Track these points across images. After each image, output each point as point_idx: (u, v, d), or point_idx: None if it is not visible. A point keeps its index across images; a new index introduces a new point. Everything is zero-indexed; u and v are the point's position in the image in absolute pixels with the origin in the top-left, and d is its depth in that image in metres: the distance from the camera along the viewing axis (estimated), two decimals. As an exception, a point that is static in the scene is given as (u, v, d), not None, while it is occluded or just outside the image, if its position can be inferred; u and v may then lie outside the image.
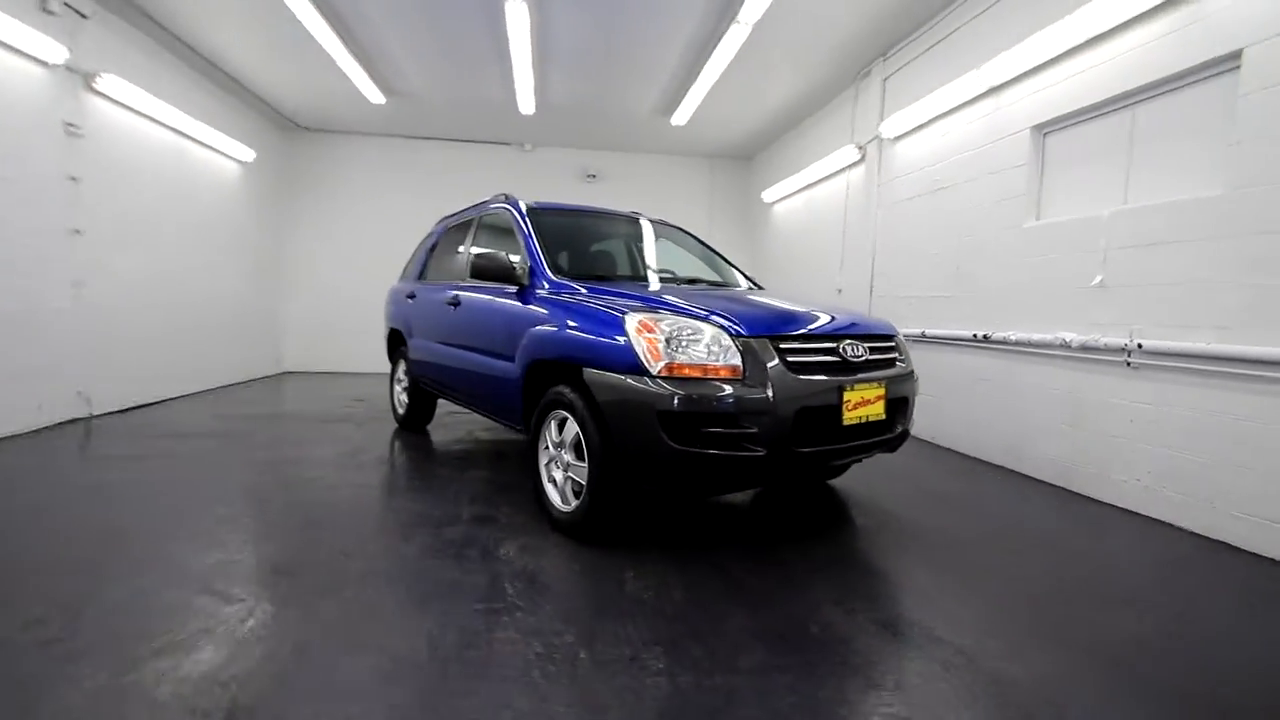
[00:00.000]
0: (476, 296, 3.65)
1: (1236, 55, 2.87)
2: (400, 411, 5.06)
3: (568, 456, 2.73)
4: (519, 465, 3.99)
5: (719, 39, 5.35)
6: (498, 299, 3.40)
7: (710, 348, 2.34)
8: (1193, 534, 3.00)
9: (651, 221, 4.17)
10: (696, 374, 2.30)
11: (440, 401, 5.02)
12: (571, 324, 2.71)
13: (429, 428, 5.08)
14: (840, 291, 6.54)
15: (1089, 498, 3.56)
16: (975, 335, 4.44)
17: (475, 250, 3.85)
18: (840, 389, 2.48)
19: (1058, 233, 3.86)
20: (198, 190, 6.48)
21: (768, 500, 3.39)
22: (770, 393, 2.30)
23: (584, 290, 2.93)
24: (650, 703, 1.60)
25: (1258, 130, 2.77)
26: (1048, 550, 2.81)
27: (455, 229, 4.57)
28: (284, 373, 8.61)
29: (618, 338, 2.44)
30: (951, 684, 1.74)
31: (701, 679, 1.71)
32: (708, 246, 4.34)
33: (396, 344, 5.17)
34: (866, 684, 1.72)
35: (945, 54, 4.89)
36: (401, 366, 5.05)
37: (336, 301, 8.78)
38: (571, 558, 2.53)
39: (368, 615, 2.00)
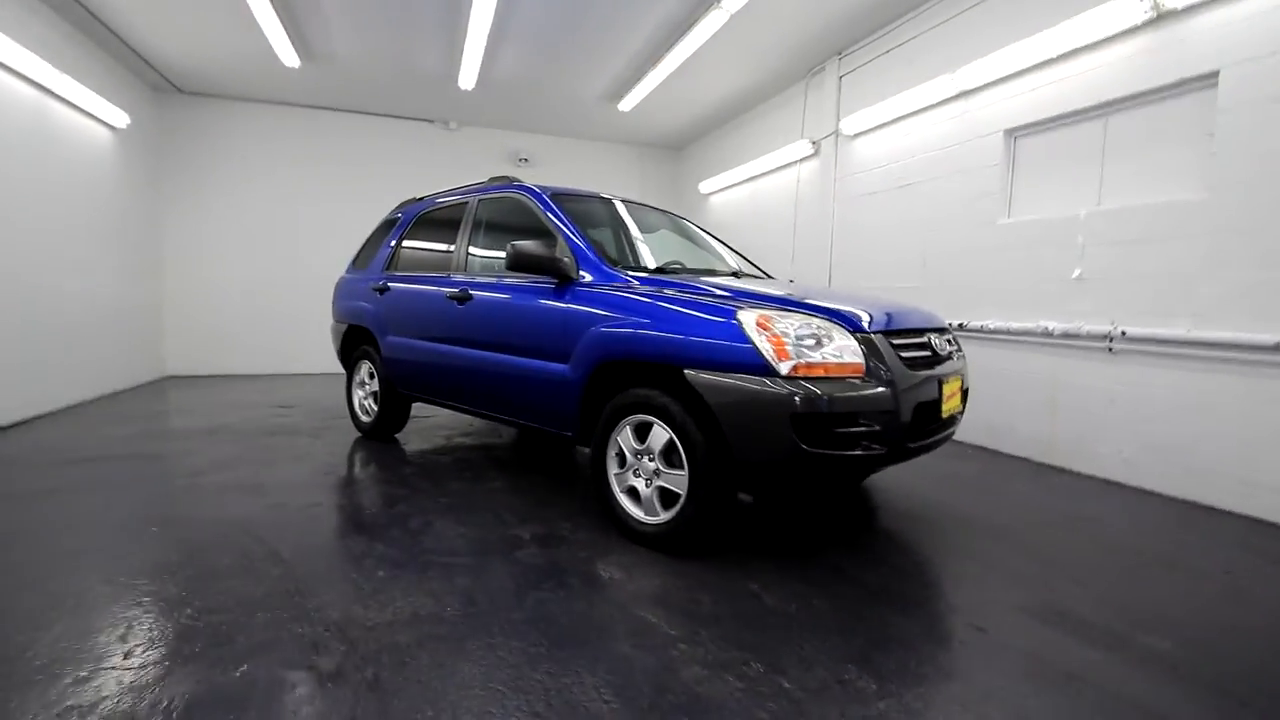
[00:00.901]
0: (499, 294, 3.29)
1: (1214, 75, 3.26)
2: (366, 419, 4.48)
3: (653, 464, 2.54)
4: (532, 471, 3.68)
5: (693, 24, 5.24)
6: (530, 294, 3.08)
7: (836, 345, 2.26)
8: (1178, 500, 3.42)
9: (649, 207, 3.98)
10: (826, 373, 2.21)
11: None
12: (657, 322, 2.50)
13: (398, 435, 4.55)
14: (793, 281, 6.73)
15: (1073, 472, 3.94)
16: (950, 324, 4.75)
17: (503, 242, 3.48)
18: (939, 382, 2.51)
19: (1033, 229, 4.21)
20: (61, 159, 5.28)
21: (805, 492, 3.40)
22: (895, 389, 2.28)
23: (637, 282, 2.72)
24: (907, 729, 1.51)
25: (1236, 143, 3.17)
26: (1082, 524, 3.05)
27: (436, 215, 4.10)
28: (168, 377, 7.34)
29: (732, 337, 2.29)
30: (1131, 660, 1.82)
31: (923, 692, 1.64)
32: (708, 233, 4.24)
33: (356, 343, 4.57)
34: (1066, 676, 1.75)
35: (910, 57, 5.14)
36: (364, 369, 4.46)
37: (230, 293, 7.63)
38: (681, 574, 2.35)
39: (523, 673, 1.71)
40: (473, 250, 3.66)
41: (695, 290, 2.58)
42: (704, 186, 8.52)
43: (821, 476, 2.30)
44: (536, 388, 3.02)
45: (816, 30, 5.53)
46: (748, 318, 2.30)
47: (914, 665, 1.77)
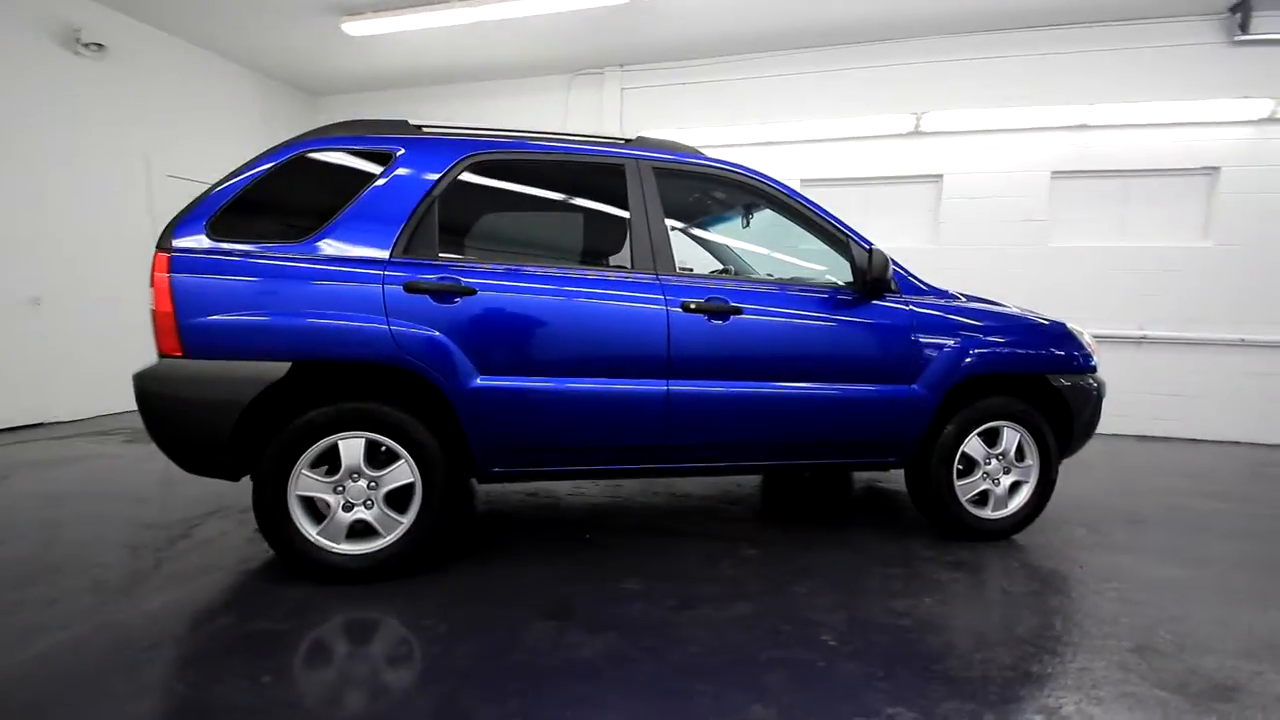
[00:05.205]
0: (787, 308, 2.58)
1: (940, 176, 5.60)
2: (360, 550, 2.20)
3: (1002, 464, 2.81)
4: (688, 524, 2.90)
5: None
6: (832, 308, 2.63)
7: (1089, 343, 3.17)
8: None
9: None
10: (1094, 364, 3.11)
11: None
12: (1021, 335, 2.80)
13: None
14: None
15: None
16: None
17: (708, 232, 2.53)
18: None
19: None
20: None
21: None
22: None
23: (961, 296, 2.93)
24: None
25: (950, 217, 5.58)
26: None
27: (540, 176, 2.59)
28: None
29: (1069, 344, 2.87)
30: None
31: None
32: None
33: (313, 401, 2.17)
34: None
35: (714, 96, 6.00)
36: (357, 450, 2.17)
37: None
38: (1052, 544, 2.80)
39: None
40: (700, 240, 2.58)
41: (991, 303, 2.98)
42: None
43: None
44: (871, 416, 2.64)
45: (608, 40, 5.62)
46: (1075, 327, 2.94)
47: None
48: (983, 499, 2.81)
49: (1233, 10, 4.72)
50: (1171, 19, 4.91)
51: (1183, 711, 1.62)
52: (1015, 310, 2.96)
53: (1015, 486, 2.84)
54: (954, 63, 5.39)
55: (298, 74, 6.50)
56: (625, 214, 2.51)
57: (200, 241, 2.15)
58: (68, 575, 2.24)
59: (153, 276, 2.10)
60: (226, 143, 5.86)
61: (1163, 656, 1.89)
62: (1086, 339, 2.95)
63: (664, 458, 2.53)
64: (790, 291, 2.62)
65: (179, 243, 2.14)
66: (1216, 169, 5.00)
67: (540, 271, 2.39)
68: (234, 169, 2.30)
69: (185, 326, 2.08)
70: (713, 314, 2.45)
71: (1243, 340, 5.01)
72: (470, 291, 2.25)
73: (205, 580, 2.23)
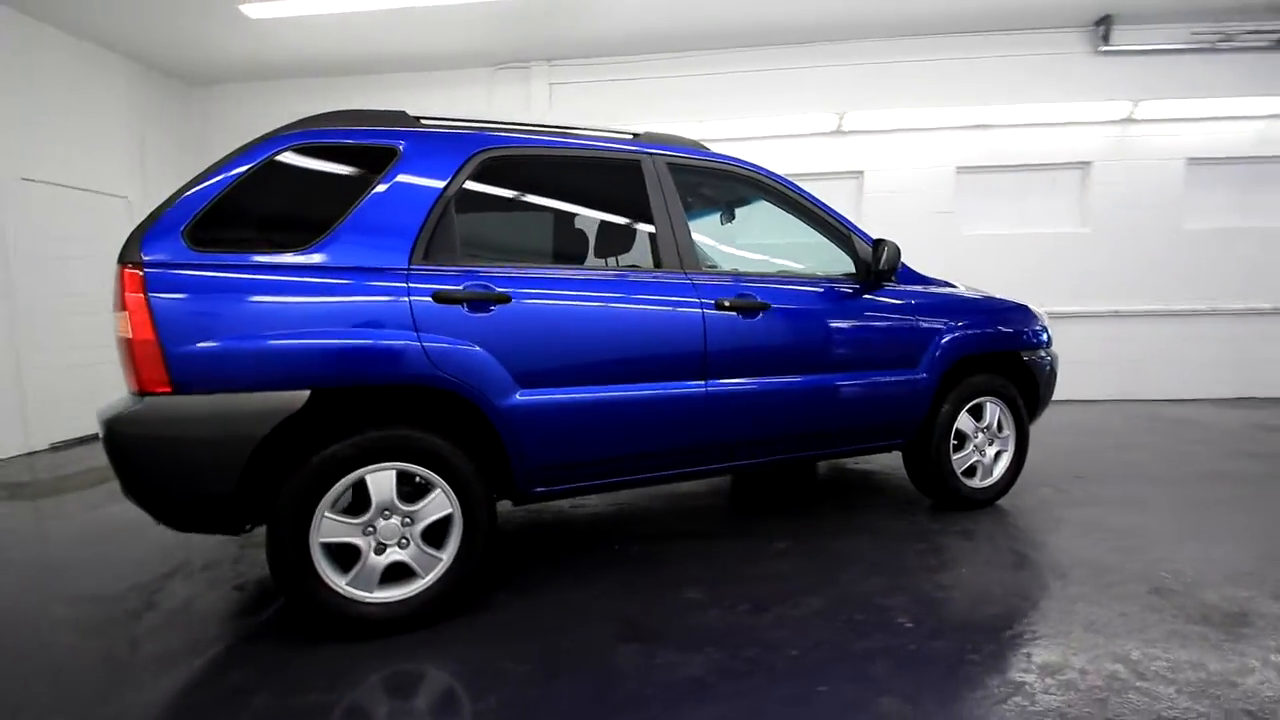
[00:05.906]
0: (806, 300, 2.65)
1: (861, 172, 5.95)
2: (390, 597, 1.94)
3: (986, 436, 3.05)
4: (698, 528, 2.90)
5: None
6: (842, 299, 2.74)
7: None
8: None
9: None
10: (1043, 341, 3.44)
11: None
12: (1000, 318, 3.04)
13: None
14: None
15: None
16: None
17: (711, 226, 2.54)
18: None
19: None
20: None
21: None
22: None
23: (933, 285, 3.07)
24: None
25: (872, 210, 5.96)
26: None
27: (553, 173, 2.42)
28: None
29: (1035, 323, 3.17)
30: None
31: (1174, 484, 3.34)
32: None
33: (341, 430, 1.89)
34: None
35: (649, 93, 5.98)
36: (384, 482, 1.91)
37: None
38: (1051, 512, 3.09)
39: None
40: (705, 237, 2.54)
41: (943, 285, 3.20)
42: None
43: None
44: (888, 401, 2.76)
45: (526, 28, 5.44)
46: (1038, 310, 3.23)
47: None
48: (970, 470, 3.03)
49: (1097, 24, 5.42)
50: (1048, 29, 5.56)
51: (1222, 640, 1.84)
52: (966, 290, 3.20)
53: (997, 456, 3.09)
54: (872, 65, 5.76)
55: (178, 61, 5.67)
56: (647, 210, 2.43)
57: (180, 254, 1.80)
58: (17, 677, 1.80)
59: (122, 298, 1.73)
60: (93, 138, 4.99)
61: (1176, 594, 2.13)
62: (1043, 317, 3.26)
63: (701, 459, 2.48)
64: (808, 285, 2.67)
65: (152, 256, 1.78)
66: (1089, 164, 5.75)
67: (573, 274, 2.26)
68: (206, 168, 1.96)
69: (175, 356, 1.73)
70: (743, 310, 2.43)
71: (1115, 312, 5.80)
72: (505, 299, 2.07)
73: (207, 657, 1.89)
